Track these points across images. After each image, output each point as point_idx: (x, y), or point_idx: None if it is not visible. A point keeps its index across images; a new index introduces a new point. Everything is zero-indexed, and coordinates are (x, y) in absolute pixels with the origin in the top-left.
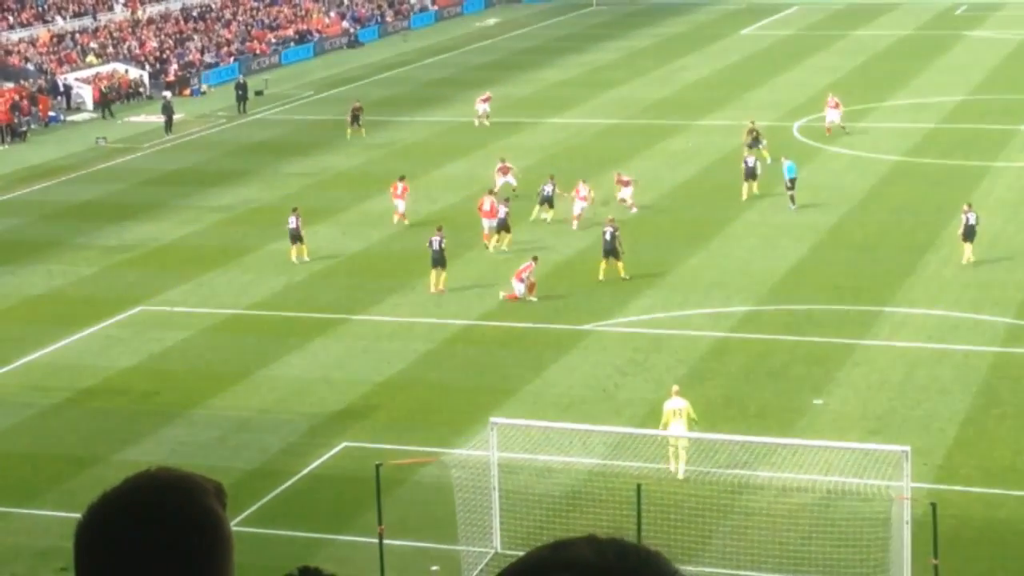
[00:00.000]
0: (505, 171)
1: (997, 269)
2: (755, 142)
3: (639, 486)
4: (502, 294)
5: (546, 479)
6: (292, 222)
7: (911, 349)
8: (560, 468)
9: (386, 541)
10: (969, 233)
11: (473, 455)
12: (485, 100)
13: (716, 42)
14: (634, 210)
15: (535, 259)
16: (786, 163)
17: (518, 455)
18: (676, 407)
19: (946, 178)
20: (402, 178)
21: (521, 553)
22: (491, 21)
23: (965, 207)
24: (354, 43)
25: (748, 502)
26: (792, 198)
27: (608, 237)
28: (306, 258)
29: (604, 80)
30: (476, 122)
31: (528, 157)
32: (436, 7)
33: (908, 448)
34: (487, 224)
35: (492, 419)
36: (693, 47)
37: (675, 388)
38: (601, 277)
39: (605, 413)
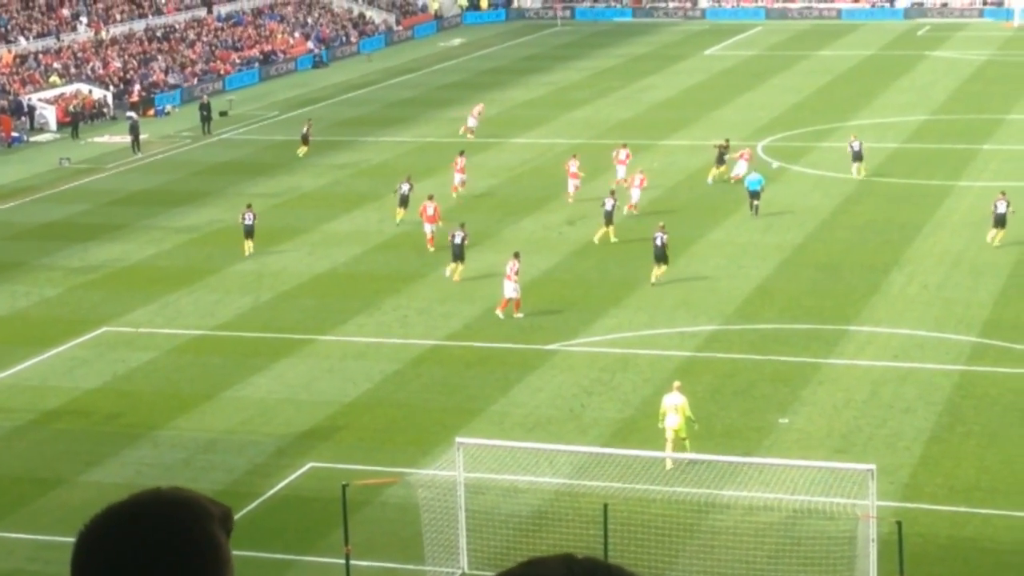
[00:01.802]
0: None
1: (961, 288)
2: (720, 160)
3: (606, 505)
4: (499, 311)
5: (512, 499)
6: (248, 218)
7: (876, 368)
8: (527, 488)
9: (353, 561)
10: (999, 220)
11: (439, 475)
12: (477, 113)
13: (680, 62)
14: (635, 212)
15: (517, 255)
16: (752, 176)
17: (484, 475)
18: (675, 403)
19: (910, 197)
20: (461, 153)
21: (488, 573)
22: (456, 41)
23: (999, 195)
24: (319, 63)
25: (714, 521)
26: (755, 207)
27: (659, 243)
28: (251, 251)
29: (569, 100)
30: (461, 130)
31: (494, 177)
32: (401, 27)
33: (873, 467)
34: (429, 228)
35: (458, 439)
36: (658, 67)
37: (676, 384)
38: (653, 281)
39: (571, 433)
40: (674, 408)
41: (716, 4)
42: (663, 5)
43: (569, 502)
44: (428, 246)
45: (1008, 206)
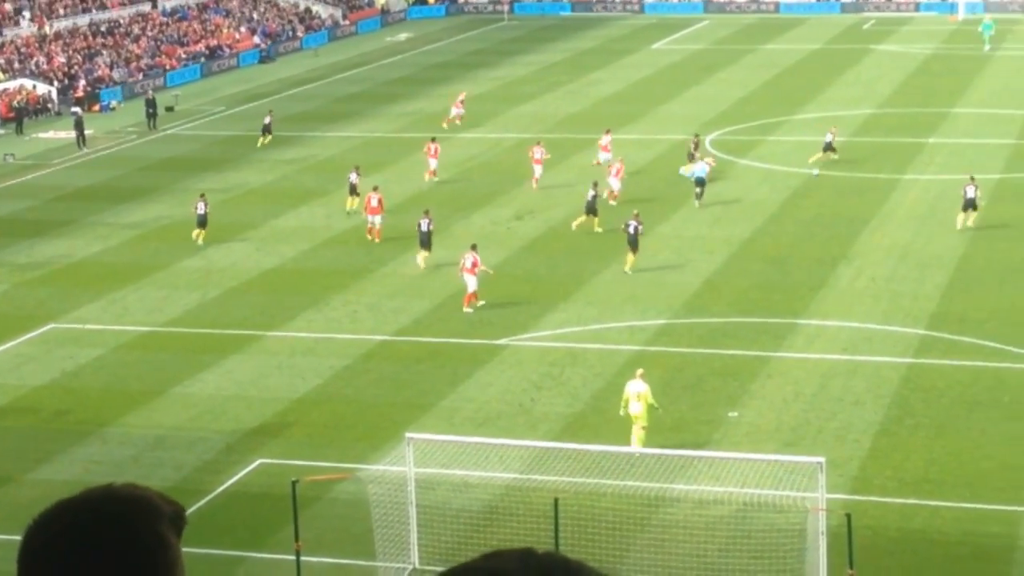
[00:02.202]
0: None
1: (908, 281)
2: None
3: (556, 500)
4: (466, 307)
5: (463, 494)
6: (200, 208)
7: (825, 361)
8: (477, 483)
9: (303, 557)
10: (969, 204)
11: (390, 471)
12: (459, 105)
13: (628, 56)
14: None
15: (474, 247)
16: (697, 165)
17: (435, 470)
18: (637, 390)
19: (856, 191)
20: (433, 139)
21: (439, 568)
22: (402, 36)
23: (968, 180)
24: (266, 58)
25: (665, 515)
26: (699, 196)
27: (632, 231)
28: (200, 242)
29: (517, 95)
30: (446, 125)
31: (443, 172)
32: (347, 22)
33: (823, 459)
34: (371, 220)
35: (408, 434)
36: (605, 62)
37: (639, 371)
38: (627, 270)
39: (521, 427)
40: (636, 395)
41: None
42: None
43: (520, 497)
44: (372, 237)
45: (977, 190)
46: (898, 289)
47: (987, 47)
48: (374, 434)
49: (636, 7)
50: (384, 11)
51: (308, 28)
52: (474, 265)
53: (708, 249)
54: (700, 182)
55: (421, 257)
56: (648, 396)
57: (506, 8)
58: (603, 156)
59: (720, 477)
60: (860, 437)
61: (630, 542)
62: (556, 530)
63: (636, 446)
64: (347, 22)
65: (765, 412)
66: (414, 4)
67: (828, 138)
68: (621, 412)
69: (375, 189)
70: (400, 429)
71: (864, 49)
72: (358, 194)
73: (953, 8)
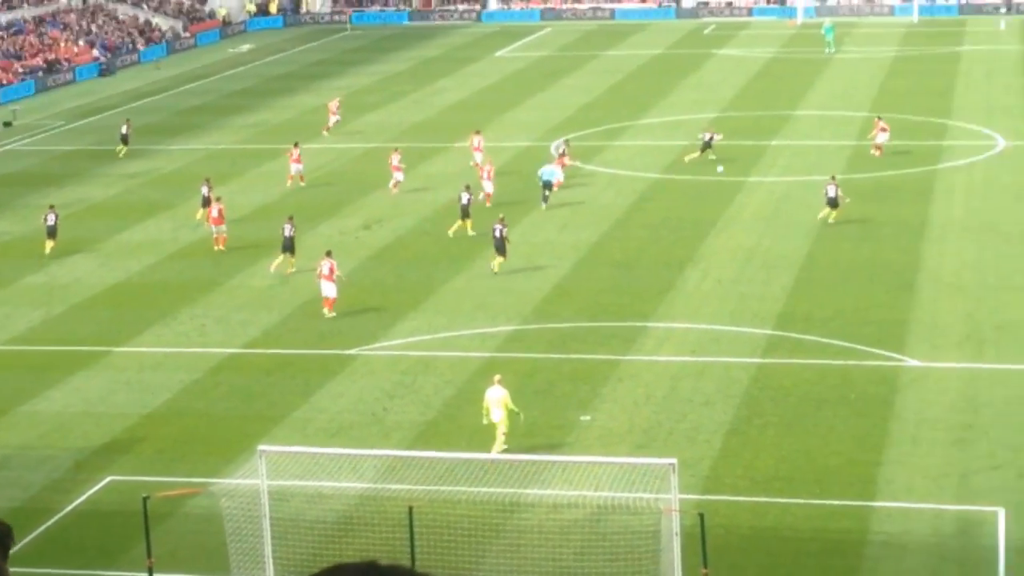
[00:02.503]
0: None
1: (754, 282)
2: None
3: (411, 508)
4: (329, 311)
5: (317, 505)
6: (51, 219)
7: (674, 363)
8: (331, 493)
9: (156, 574)
10: (832, 202)
11: (242, 484)
12: (335, 111)
13: (471, 64)
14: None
15: (329, 253)
16: (546, 168)
17: (288, 482)
18: (497, 396)
19: (702, 194)
20: (296, 144)
21: None
22: (245, 47)
23: (829, 179)
24: (106, 71)
25: (520, 520)
26: (546, 198)
27: (498, 235)
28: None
29: (361, 104)
30: (325, 133)
31: (282, 185)
32: (187, 34)
33: (675, 461)
34: (215, 230)
35: (261, 447)
36: (449, 70)
37: (496, 377)
38: (495, 271)
39: (374, 437)
40: (497, 402)
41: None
42: (448, 8)
43: (374, 506)
44: (219, 247)
45: (838, 189)
46: (745, 290)
47: (830, 50)
48: (226, 448)
49: (473, 16)
50: (226, 22)
51: (148, 41)
52: (331, 271)
53: (557, 254)
54: (547, 185)
55: (278, 262)
56: (508, 401)
57: (346, 18)
58: (477, 156)
59: (573, 481)
60: (711, 437)
61: (486, 548)
62: (411, 538)
63: (495, 451)
64: (187, 34)
65: (617, 415)
66: (258, 15)
67: (706, 137)
68: (484, 421)
69: (217, 200)
70: (252, 442)
71: (706, 54)
72: (210, 206)
73: (792, 12)
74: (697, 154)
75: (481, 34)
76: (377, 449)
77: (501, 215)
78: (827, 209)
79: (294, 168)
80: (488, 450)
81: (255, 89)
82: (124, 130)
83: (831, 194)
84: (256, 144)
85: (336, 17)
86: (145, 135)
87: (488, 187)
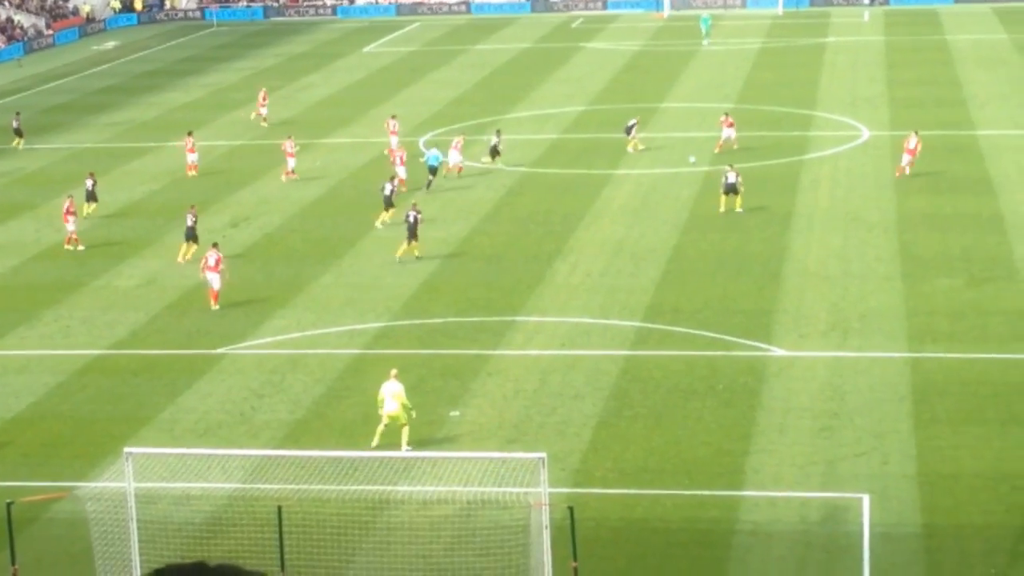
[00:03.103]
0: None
1: (623, 274)
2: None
3: (280, 508)
4: (214, 304)
5: (185, 506)
6: None
7: (544, 357)
8: (199, 494)
9: None
10: (730, 188)
11: (108, 487)
12: (263, 102)
13: (339, 60)
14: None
15: (216, 245)
16: (431, 153)
17: (156, 484)
18: (392, 391)
19: (570, 187)
20: (190, 133)
21: None
22: (110, 44)
23: (727, 167)
24: None
25: (390, 517)
26: (430, 183)
27: (411, 220)
28: None
29: (228, 101)
30: (253, 116)
31: (155, 182)
32: (51, 31)
33: (544, 455)
34: (68, 228)
35: (127, 449)
36: (317, 65)
37: (393, 372)
38: (399, 255)
39: (243, 436)
40: (392, 395)
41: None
42: (301, 4)
43: (243, 506)
44: (72, 247)
45: (737, 176)
46: (613, 283)
47: (706, 41)
48: (92, 450)
49: (329, 12)
50: (90, 19)
51: (10, 38)
52: (217, 263)
53: (426, 250)
54: (432, 171)
55: (185, 249)
56: (402, 396)
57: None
58: (393, 141)
59: (443, 477)
60: (580, 430)
61: (356, 546)
62: (280, 538)
63: (405, 448)
64: (49, 32)
65: (486, 410)
66: (123, 11)
67: (631, 122)
68: (380, 412)
69: (70, 197)
70: (119, 444)
71: (574, 47)
72: (96, 199)
73: (659, 5)
74: (631, 139)
75: (349, 29)
76: (245, 449)
77: (414, 202)
78: (726, 198)
79: (190, 158)
80: (352, 446)
81: (120, 87)
82: (15, 124)
83: (730, 180)
84: (122, 143)
85: (191, 14)
86: (6, 134)
87: (401, 172)
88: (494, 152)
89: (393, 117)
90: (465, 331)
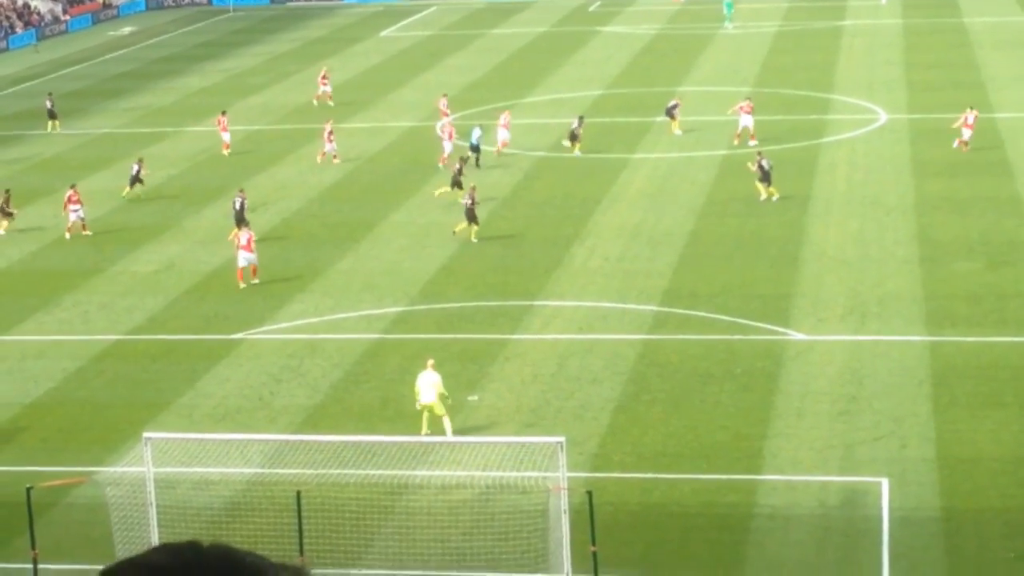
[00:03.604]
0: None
1: (640, 259)
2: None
3: (298, 492)
4: (245, 281)
5: (204, 491)
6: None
7: (562, 341)
8: (218, 479)
9: (41, 565)
10: (765, 176)
11: (128, 472)
12: (324, 77)
13: (356, 44)
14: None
15: (248, 224)
16: (476, 133)
17: (175, 469)
18: (430, 381)
19: (588, 171)
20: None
21: None
22: (126, 30)
23: (758, 154)
24: None
25: (409, 502)
26: (477, 160)
27: (468, 203)
28: None
29: (245, 86)
30: (315, 102)
31: (173, 167)
32: (68, 16)
33: (563, 439)
34: (72, 216)
35: (146, 434)
36: (334, 50)
37: (430, 362)
38: (456, 231)
39: (261, 421)
40: (430, 385)
41: None
42: None
43: (262, 491)
44: (67, 235)
45: (770, 163)
46: (631, 267)
47: (729, 24)
48: (111, 435)
49: None
50: (106, 5)
51: (27, 24)
52: (249, 241)
53: (443, 235)
54: (475, 148)
55: (234, 234)
56: (440, 386)
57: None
58: (446, 120)
59: (462, 461)
60: (598, 415)
61: (375, 531)
62: (299, 523)
63: (449, 434)
64: (66, 17)
65: (504, 394)
66: None
67: (672, 103)
68: (417, 406)
69: (73, 187)
70: (138, 429)
71: (591, 31)
72: (142, 182)
73: None
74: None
75: (366, 14)
76: (264, 434)
77: (473, 185)
78: (762, 186)
79: (225, 137)
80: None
81: (138, 72)
82: (48, 105)
83: (766, 167)
84: (139, 128)
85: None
86: (25, 120)
87: (448, 148)
88: (573, 137)
89: (444, 96)
90: (483, 315)
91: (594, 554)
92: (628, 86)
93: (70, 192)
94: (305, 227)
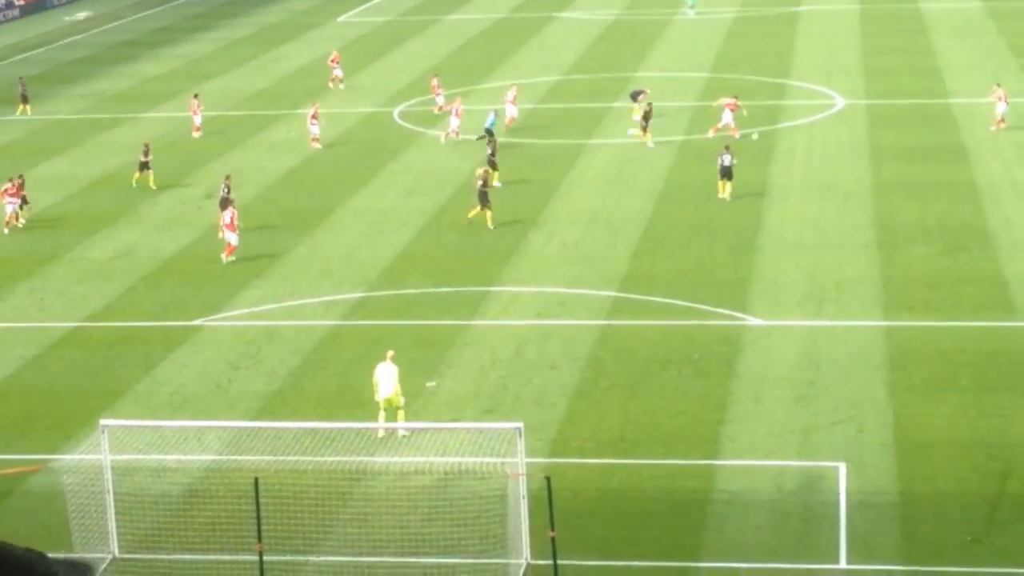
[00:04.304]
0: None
1: (598, 244)
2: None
3: (256, 479)
4: (223, 256)
5: (162, 479)
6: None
7: (520, 327)
8: (176, 467)
9: None
10: (726, 172)
11: (85, 459)
12: (335, 61)
13: (314, 30)
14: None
15: (232, 202)
16: (489, 116)
17: (132, 456)
18: (388, 373)
19: (545, 157)
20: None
21: (141, 556)
22: (81, 15)
23: (722, 150)
24: None
25: (368, 488)
26: (491, 147)
27: (479, 187)
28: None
29: (203, 72)
30: (332, 85)
31: (130, 153)
32: (21, 1)
33: (521, 424)
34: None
35: (103, 421)
36: (291, 35)
37: (390, 354)
38: (469, 216)
39: (219, 408)
40: (389, 378)
41: None
42: None
43: (220, 478)
44: (4, 229)
45: (732, 159)
46: (589, 253)
47: (691, 11)
48: (67, 423)
49: None
50: None
51: None
52: (232, 219)
53: (401, 220)
54: (489, 132)
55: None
56: (396, 380)
57: None
58: (439, 100)
59: (421, 447)
60: (557, 400)
61: (333, 517)
62: (257, 509)
63: (402, 431)
64: (21, 1)
65: (463, 380)
66: None
67: (638, 91)
68: (376, 397)
69: (11, 179)
70: (94, 416)
71: (548, 17)
72: (149, 169)
73: None
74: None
75: None
76: (222, 421)
77: (484, 168)
78: (722, 182)
79: (196, 120)
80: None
81: (93, 58)
82: (20, 89)
83: (726, 163)
84: (95, 114)
85: None
86: None
87: (454, 124)
88: (647, 116)
89: (436, 75)
90: (441, 302)
91: (552, 539)
92: (585, 72)
93: (7, 185)
94: (262, 213)
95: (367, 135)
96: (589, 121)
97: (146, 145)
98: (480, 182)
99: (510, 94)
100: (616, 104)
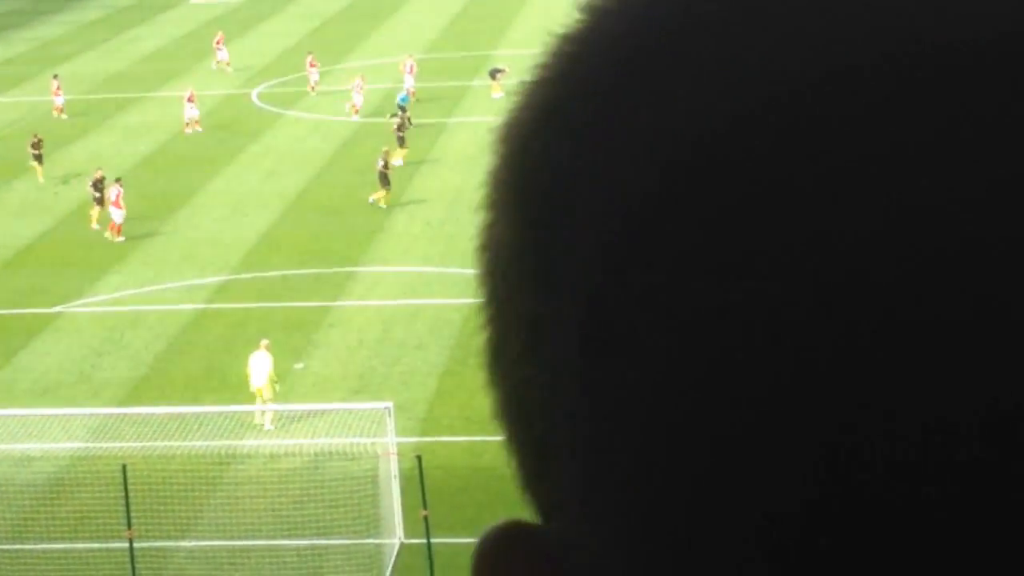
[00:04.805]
0: None
1: (463, 223)
2: None
3: (124, 466)
4: (117, 236)
5: (26, 468)
6: None
7: (386, 307)
8: (40, 455)
9: None
10: None
11: None
12: (219, 42)
13: (167, 11)
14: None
15: (119, 180)
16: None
17: None
18: (261, 362)
19: (407, 136)
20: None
21: (11, 548)
22: None
23: None
24: None
25: (237, 472)
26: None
27: (379, 166)
28: None
29: (53, 55)
30: (214, 66)
31: None
32: None
33: (390, 404)
34: None
35: None
36: (144, 17)
37: (264, 343)
38: (371, 199)
39: (84, 395)
40: (262, 368)
41: None
42: None
43: (87, 466)
44: None
45: None
46: (453, 231)
47: None
48: None
49: None
50: None
51: None
52: (118, 197)
53: (263, 203)
54: (402, 108)
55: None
56: (271, 370)
57: None
58: (409, 81)
59: (291, 430)
60: (425, 379)
61: (203, 502)
62: (126, 497)
63: (268, 424)
64: None
65: (331, 362)
66: None
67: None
68: (251, 388)
69: None
70: None
71: None
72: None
73: None
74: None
75: None
76: (87, 408)
77: (385, 148)
78: None
79: (57, 100)
80: (197, 401)
81: None
82: None
83: None
84: None
85: None
86: None
87: (409, 83)
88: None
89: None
90: (306, 283)
91: (425, 518)
92: (445, 50)
93: None
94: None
95: (226, 117)
96: (449, 99)
97: (36, 136)
98: (381, 162)
99: (409, 64)
100: (475, 82)
